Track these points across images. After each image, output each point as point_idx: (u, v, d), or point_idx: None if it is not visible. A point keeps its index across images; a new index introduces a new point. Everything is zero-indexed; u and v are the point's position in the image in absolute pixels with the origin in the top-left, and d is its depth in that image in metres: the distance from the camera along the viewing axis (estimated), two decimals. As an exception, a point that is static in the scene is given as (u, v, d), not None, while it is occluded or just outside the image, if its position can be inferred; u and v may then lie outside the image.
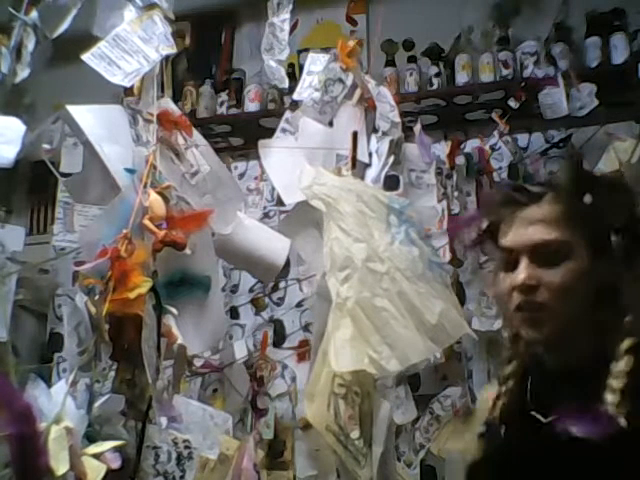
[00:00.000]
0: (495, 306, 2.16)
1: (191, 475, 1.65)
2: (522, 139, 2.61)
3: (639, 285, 0.99)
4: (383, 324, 1.52)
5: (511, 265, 1.02)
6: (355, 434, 1.59)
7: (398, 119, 2.00)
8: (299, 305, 2.73)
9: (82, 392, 1.38)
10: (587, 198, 1.01)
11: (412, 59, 2.76)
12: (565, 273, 0.98)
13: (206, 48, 3.26)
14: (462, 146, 2.50)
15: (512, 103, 2.43)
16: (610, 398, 0.91)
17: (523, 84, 2.45)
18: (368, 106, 2.00)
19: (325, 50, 2.09)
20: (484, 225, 1.10)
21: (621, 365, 0.94)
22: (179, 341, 1.44)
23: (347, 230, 1.59)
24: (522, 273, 0.99)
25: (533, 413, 1.00)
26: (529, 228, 1.01)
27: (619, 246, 0.99)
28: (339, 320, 1.53)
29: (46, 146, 2.07)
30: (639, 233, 1.00)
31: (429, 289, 1.59)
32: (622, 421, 0.89)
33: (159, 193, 1.50)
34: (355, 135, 1.88)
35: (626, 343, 0.95)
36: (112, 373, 1.40)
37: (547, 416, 0.97)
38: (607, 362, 0.96)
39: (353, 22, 3.04)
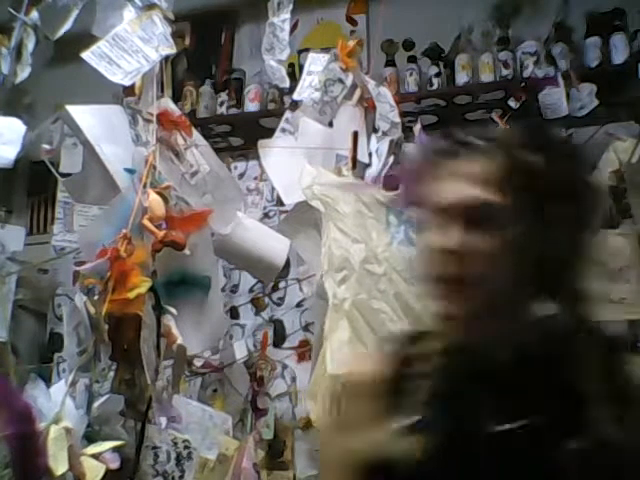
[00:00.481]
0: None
1: (190, 475, 1.65)
2: (522, 139, 2.60)
3: (584, 263, 0.86)
4: (380, 326, 1.52)
5: (440, 226, 0.86)
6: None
7: (398, 119, 2.00)
8: (299, 305, 2.73)
9: (81, 392, 1.39)
10: (536, 158, 0.85)
11: (412, 59, 2.75)
12: (502, 241, 0.82)
13: (206, 48, 3.25)
14: (462, 146, 2.49)
15: (512, 103, 2.43)
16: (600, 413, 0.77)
17: (523, 84, 2.45)
18: (368, 106, 2.00)
19: (325, 50, 2.09)
20: (418, 181, 0.91)
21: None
22: (179, 341, 1.44)
23: (345, 231, 1.59)
24: (450, 237, 0.83)
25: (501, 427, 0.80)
26: (462, 185, 0.85)
27: (566, 216, 0.84)
28: (336, 322, 1.53)
29: (46, 146, 2.07)
30: (590, 203, 0.87)
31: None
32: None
33: (159, 193, 1.50)
34: (355, 135, 1.88)
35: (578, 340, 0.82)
36: (111, 373, 1.40)
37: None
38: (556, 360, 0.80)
39: (353, 22, 3.04)
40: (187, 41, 3.24)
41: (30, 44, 1.99)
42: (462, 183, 0.85)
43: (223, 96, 2.98)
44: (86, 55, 1.49)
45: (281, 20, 2.02)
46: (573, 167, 0.88)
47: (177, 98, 2.88)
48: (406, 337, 0.96)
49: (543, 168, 0.84)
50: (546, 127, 0.97)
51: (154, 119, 1.60)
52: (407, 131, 2.15)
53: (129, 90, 1.70)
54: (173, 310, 1.46)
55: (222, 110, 2.96)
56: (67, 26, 1.87)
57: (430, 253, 0.86)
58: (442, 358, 0.87)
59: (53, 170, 1.84)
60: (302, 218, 1.87)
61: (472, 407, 0.81)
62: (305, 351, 2.61)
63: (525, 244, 0.83)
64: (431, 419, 0.83)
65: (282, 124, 2.02)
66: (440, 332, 0.89)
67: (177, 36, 2.29)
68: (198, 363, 2.46)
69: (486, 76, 2.62)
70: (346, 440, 0.85)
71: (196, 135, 1.75)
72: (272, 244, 1.96)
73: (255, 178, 2.90)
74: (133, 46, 1.56)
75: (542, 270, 0.83)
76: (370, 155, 1.96)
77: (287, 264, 2.29)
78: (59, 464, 1.14)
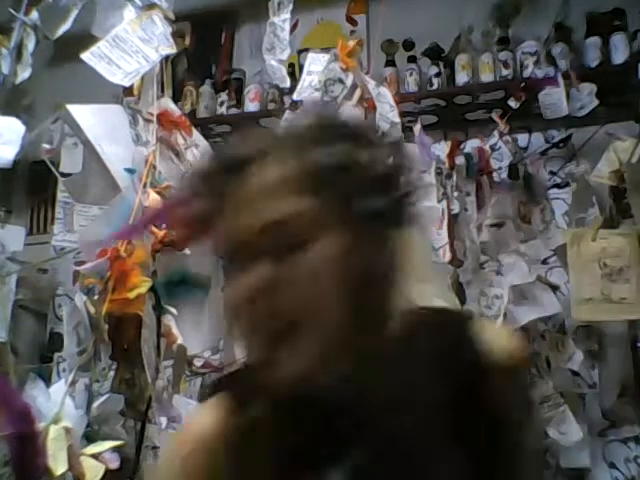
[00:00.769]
0: (494, 306, 2.16)
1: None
2: (522, 139, 2.60)
3: (402, 268, 0.73)
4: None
5: (239, 263, 0.69)
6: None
7: (398, 119, 2.00)
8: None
9: (81, 392, 1.39)
10: (334, 154, 0.69)
11: (412, 59, 2.75)
12: (315, 263, 0.67)
13: (206, 48, 3.25)
14: (462, 146, 2.50)
15: (512, 103, 2.43)
16: None
17: (523, 84, 2.45)
18: (368, 106, 2.00)
19: (325, 50, 2.09)
20: (194, 210, 0.72)
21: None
22: (179, 341, 1.44)
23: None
24: (252, 275, 0.67)
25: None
26: (249, 206, 0.68)
27: (383, 218, 0.70)
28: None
29: (46, 146, 2.07)
30: (405, 200, 0.73)
31: (429, 289, 1.59)
32: None
33: (159, 193, 1.50)
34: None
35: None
36: (111, 373, 1.40)
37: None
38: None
39: (353, 22, 3.04)
40: (187, 41, 3.24)
41: (30, 44, 1.99)
42: (256, 204, 0.68)
43: (223, 96, 2.98)
44: (85, 56, 1.49)
45: (282, 20, 2.02)
46: (378, 156, 0.72)
47: (177, 98, 2.88)
48: (237, 382, 0.79)
49: (345, 163, 0.69)
50: (335, 116, 0.76)
51: (154, 119, 1.61)
52: (407, 131, 2.15)
53: (129, 90, 1.70)
54: (173, 310, 1.46)
55: (222, 110, 2.96)
56: (67, 26, 1.87)
57: (240, 300, 0.68)
58: (275, 406, 0.72)
59: (53, 170, 1.84)
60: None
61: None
62: (305, 351, 2.61)
63: (344, 255, 0.69)
64: None
65: (282, 124, 2.02)
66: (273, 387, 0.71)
67: (177, 36, 2.29)
68: (198, 363, 2.46)
69: (486, 76, 2.62)
70: None
71: (196, 135, 1.75)
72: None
73: (255, 178, 2.89)
74: (133, 46, 1.56)
75: (364, 281, 0.70)
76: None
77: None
78: (59, 464, 1.14)
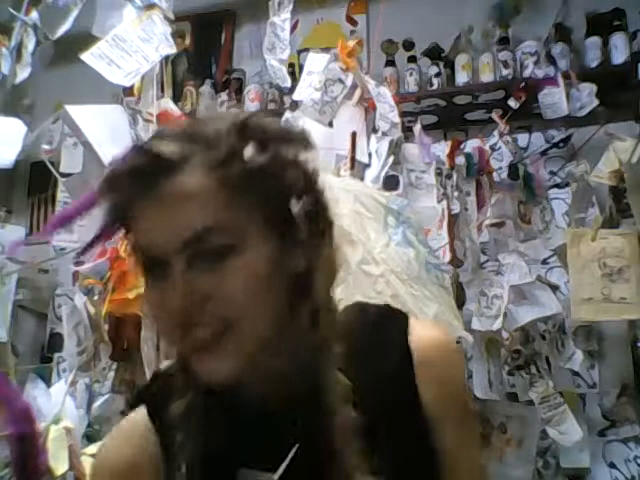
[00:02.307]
0: (494, 306, 2.16)
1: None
2: (522, 139, 2.60)
3: (328, 270, 0.73)
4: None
5: (159, 272, 0.66)
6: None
7: (398, 119, 2.00)
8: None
9: (82, 392, 1.39)
10: (251, 155, 0.67)
11: (412, 59, 2.75)
12: (241, 270, 0.66)
13: (206, 48, 3.26)
14: (462, 146, 2.49)
15: (512, 103, 2.43)
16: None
17: (523, 84, 2.45)
18: (368, 106, 2.00)
19: (325, 50, 2.09)
20: (104, 214, 0.69)
21: (338, 389, 0.69)
22: (179, 341, 1.44)
23: (344, 230, 1.58)
24: (175, 288, 0.65)
25: (246, 471, 0.70)
26: (170, 215, 0.65)
27: (302, 218, 0.70)
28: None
29: (46, 146, 2.08)
30: (321, 199, 0.72)
31: (424, 291, 1.58)
32: None
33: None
34: (354, 135, 1.88)
35: (334, 350, 0.70)
36: (111, 373, 1.40)
37: (262, 466, 0.70)
38: (316, 373, 0.70)
39: (353, 22, 3.04)
40: (187, 41, 3.24)
41: (30, 44, 1.99)
42: (174, 211, 0.65)
43: (223, 96, 2.99)
44: (86, 56, 1.49)
45: (282, 20, 2.03)
46: (297, 159, 0.71)
47: (177, 98, 2.88)
48: (158, 391, 0.78)
49: (262, 170, 0.68)
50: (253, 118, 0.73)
51: (154, 119, 1.61)
52: (407, 131, 2.15)
53: (129, 90, 1.70)
54: (173, 310, 1.46)
55: (222, 110, 2.96)
56: (67, 26, 1.87)
57: (164, 307, 0.66)
58: (201, 414, 0.71)
59: (53, 170, 1.84)
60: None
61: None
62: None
63: (274, 263, 0.68)
64: None
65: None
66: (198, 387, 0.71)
67: (177, 36, 2.30)
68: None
69: (486, 76, 2.62)
70: None
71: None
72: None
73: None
74: (133, 46, 1.56)
75: (290, 278, 0.70)
76: (370, 155, 1.96)
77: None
78: (59, 464, 1.14)
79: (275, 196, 0.69)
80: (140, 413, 0.77)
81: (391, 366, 0.74)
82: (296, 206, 0.70)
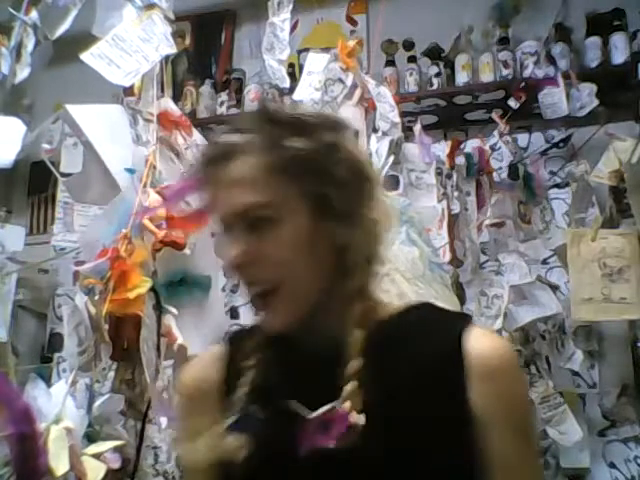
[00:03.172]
0: (494, 306, 2.16)
1: (191, 475, 1.65)
2: (522, 139, 2.61)
3: (366, 244, 0.84)
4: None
5: (228, 235, 0.84)
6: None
7: (398, 119, 2.00)
8: (299, 305, 2.73)
9: (82, 392, 1.39)
10: (290, 143, 0.80)
11: (412, 59, 2.75)
12: (286, 240, 0.80)
13: (206, 48, 3.26)
14: (462, 146, 2.50)
15: (512, 103, 2.43)
16: (344, 391, 0.78)
17: (523, 84, 2.45)
18: (368, 106, 2.00)
19: (325, 50, 2.09)
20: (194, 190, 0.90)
21: (350, 344, 0.80)
22: (179, 341, 1.44)
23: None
24: (233, 249, 0.81)
25: (292, 405, 0.81)
26: (230, 191, 0.81)
27: (342, 200, 0.81)
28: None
29: (46, 146, 2.07)
30: (362, 183, 0.84)
31: (429, 290, 1.59)
32: (357, 419, 0.77)
33: (159, 193, 1.50)
34: (355, 135, 1.88)
35: (355, 311, 0.82)
36: (112, 373, 1.40)
37: (304, 402, 0.81)
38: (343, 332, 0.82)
39: (353, 22, 3.04)
40: (187, 41, 3.24)
41: (30, 44, 1.99)
42: (233, 189, 0.81)
43: (223, 96, 2.99)
44: (85, 56, 1.49)
45: (281, 20, 2.02)
46: (337, 149, 0.83)
47: (177, 98, 2.88)
48: (238, 335, 0.95)
49: (309, 151, 0.80)
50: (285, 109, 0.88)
51: (154, 119, 1.60)
52: (407, 131, 2.15)
53: (129, 90, 1.70)
54: (174, 310, 1.46)
55: (222, 110, 2.96)
56: (67, 26, 1.87)
57: (228, 266, 0.83)
58: (261, 353, 0.87)
59: (53, 170, 1.84)
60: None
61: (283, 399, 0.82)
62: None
63: (314, 235, 0.81)
64: (244, 418, 0.83)
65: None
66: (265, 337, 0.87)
67: (177, 36, 2.30)
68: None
69: (486, 76, 2.62)
70: (183, 447, 0.87)
71: (196, 135, 1.75)
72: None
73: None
74: (133, 46, 1.56)
75: (334, 254, 0.82)
76: (370, 155, 1.96)
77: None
78: (60, 464, 1.14)
79: (313, 178, 0.81)
80: (219, 348, 0.94)
81: (433, 358, 0.81)
82: (332, 187, 0.81)
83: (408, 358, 0.82)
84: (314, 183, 0.81)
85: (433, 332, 0.84)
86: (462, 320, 0.85)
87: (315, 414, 0.78)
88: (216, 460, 0.82)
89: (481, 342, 0.81)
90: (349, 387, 0.78)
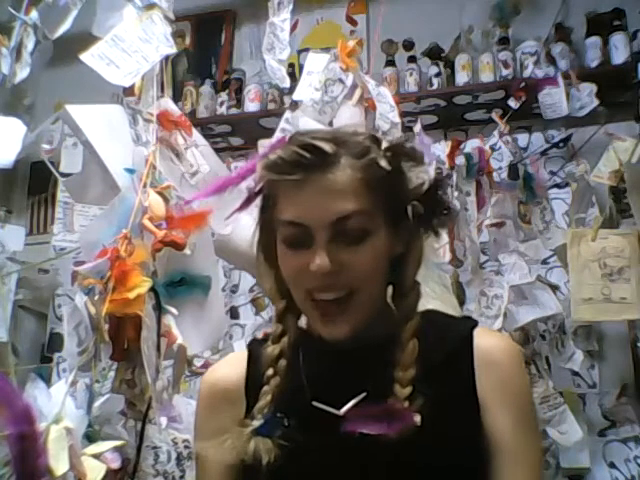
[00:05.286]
0: (494, 306, 2.16)
1: (191, 475, 1.65)
2: (522, 139, 2.61)
3: (417, 256, 0.91)
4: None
5: (300, 241, 0.85)
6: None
7: (398, 119, 2.00)
8: (299, 305, 2.72)
9: (82, 392, 1.38)
10: (385, 164, 0.86)
11: (412, 59, 2.76)
12: (369, 251, 0.85)
13: (206, 48, 3.26)
14: (462, 146, 2.50)
15: (512, 103, 2.43)
16: (400, 392, 0.82)
17: (523, 84, 2.45)
18: (368, 106, 2.00)
19: (325, 50, 2.09)
20: (258, 187, 0.91)
21: (408, 353, 0.84)
22: (179, 341, 1.44)
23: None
24: (320, 256, 0.82)
25: (318, 404, 0.85)
26: (326, 199, 0.83)
27: (416, 216, 0.88)
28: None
29: (46, 146, 2.07)
30: (436, 204, 0.91)
31: (427, 290, 1.58)
32: (416, 417, 0.80)
33: (159, 193, 1.50)
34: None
35: (411, 325, 0.86)
36: (112, 373, 1.40)
37: (332, 404, 0.84)
38: (394, 340, 0.85)
39: (353, 22, 3.04)
40: (187, 41, 3.24)
41: (30, 44, 1.99)
42: (329, 197, 0.84)
43: (223, 96, 2.99)
44: (85, 56, 1.49)
45: (281, 20, 2.02)
46: (420, 171, 0.91)
47: (177, 98, 2.88)
48: (264, 340, 0.96)
49: (392, 176, 0.87)
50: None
51: (154, 119, 1.60)
52: (407, 131, 2.15)
53: (129, 90, 1.70)
54: (174, 310, 1.46)
55: (222, 110, 2.97)
56: (67, 26, 1.86)
57: (301, 269, 0.85)
58: (289, 358, 0.89)
59: (53, 170, 1.84)
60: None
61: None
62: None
63: (386, 248, 0.87)
64: (271, 421, 0.85)
65: (282, 124, 2.02)
66: (292, 328, 0.91)
67: (177, 36, 2.30)
68: (198, 363, 2.46)
69: (486, 76, 2.62)
70: (205, 447, 0.88)
71: (196, 135, 1.75)
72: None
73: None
74: (133, 46, 1.55)
75: (392, 266, 0.89)
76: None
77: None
78: (60, 464, 1.14)
79: (398, 196, 0.88)
80: (244, 352, 0.99)
81: (450, 351, 0.89)
82: (410, 205, 0.88)
83: (424, 357, 0.86)
84: (394, 201, 0.87)
85: (446, 333, 0.92)
86: (471, 322, 0.95)
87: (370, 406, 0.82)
88: (239, 461, 0.84)
89: (488, 338, 0.91)
90: (406, 390, 0.82)
